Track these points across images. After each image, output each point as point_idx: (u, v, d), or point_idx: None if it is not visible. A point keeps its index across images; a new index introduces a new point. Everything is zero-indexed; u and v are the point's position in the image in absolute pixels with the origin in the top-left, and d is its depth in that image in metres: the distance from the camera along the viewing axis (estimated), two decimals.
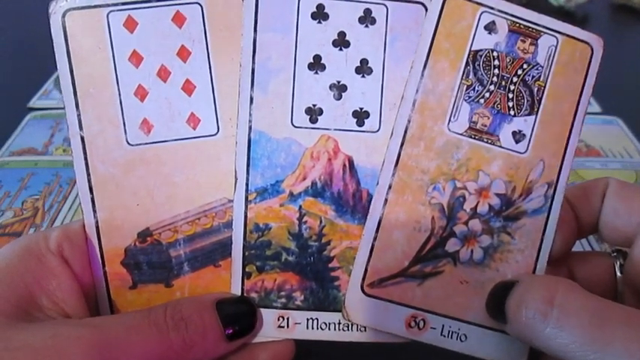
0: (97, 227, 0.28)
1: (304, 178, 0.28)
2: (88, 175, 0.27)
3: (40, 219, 0.47)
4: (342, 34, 0.27)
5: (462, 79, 0.28)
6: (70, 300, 0.26)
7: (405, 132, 0.28)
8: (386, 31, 0.27)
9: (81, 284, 0.27)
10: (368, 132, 0.28)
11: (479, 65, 0.28)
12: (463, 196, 0.28)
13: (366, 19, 0.27)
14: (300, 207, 0.28)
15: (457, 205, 0.28)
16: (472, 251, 0.28)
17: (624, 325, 0.22)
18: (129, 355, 0.23)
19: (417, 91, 0.28)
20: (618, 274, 0.29)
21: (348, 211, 0.28)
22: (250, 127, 0.28)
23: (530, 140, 0.28)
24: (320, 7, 0.27)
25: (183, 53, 0.27)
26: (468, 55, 0.28)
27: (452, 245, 0.28)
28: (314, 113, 0.28)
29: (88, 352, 0.22)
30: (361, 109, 0.28)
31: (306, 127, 0.28)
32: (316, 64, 0.28)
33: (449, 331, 0.28)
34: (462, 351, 0.28)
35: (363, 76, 0.28)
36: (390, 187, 0.28)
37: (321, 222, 0.28)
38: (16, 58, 0.72)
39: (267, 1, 0.27)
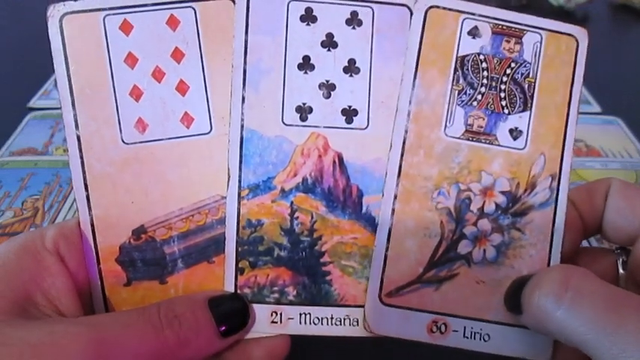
0: (92, 225, 0.28)
1: (295, 175, 0.29)
2: (84, 173, 0.28)
3: (40, 219, 0.47)
4: (330, 36, 0.28)
5: (452, 84, 0.28)
6: (64, 298, 0.26)
7: (404, 142, 0.28)
8: (372, 32, 0.28)
9: (76, 282, 0.27)
10: (357, 129, 0.29)
11: (467, 70, 0.28)
12: (468, 197, 0.28)
13: (353, 21, 0.28)
14: (292, 203, 0.29)
15: (464, 207, 0.28)
16: (485, 251, 0.28)
17: (638, 311, 0.22)
18: (125, 353, 0.23)
19: (410, 102, 0.28)
20: (621, 271, 0.29)
21: (338, 207, 0.29)
22: (242, 126, 0.28)
23: (527, 135, 0.28)
24: (308, 10, 0.28)
25: (177, 55, 0.28)
26: (456, 61, 0.28)
27: (464, 247, 0.28)
28: (304, 111, 0.29)
29: (84, 350, 0.22)
30: (350, 106, 0.29)
31: (297, 125, 0.29)
32: (306, 65, 0.28)
33: (471, 332, 0.28)
34: (486, 350, 0.28)
35: (351, 76, 0.28)
36: (395, 198, 0.28)
37: (312, 217, 0.29)
38: (16, 58, 0.72)
39: (258, 5, 0.28)
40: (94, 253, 0.28)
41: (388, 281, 0.28)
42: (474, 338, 0.28)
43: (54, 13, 0.27)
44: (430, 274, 0.28)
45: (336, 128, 0.29)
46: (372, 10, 0.28)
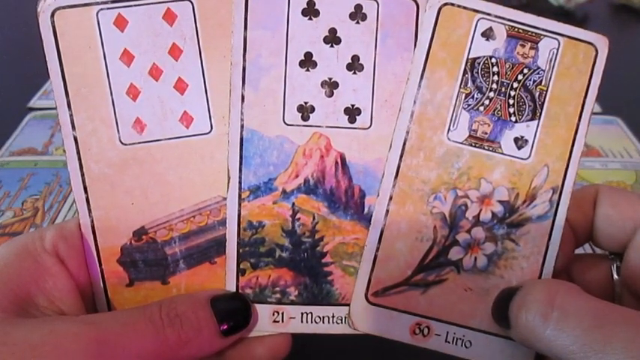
0: (93, 226, 0.28)
1: (297, 176, 0.28)
2: (82, 175, 0.28)
3: (40, 219, 0.47)
4: (332, 31, 0.27)
5: (460, 87, 0.28)
6: (66, 299, 0.26)
7: (404, 143, 0.28)
8: (377, 28, 0.27)
9: (77, 283, 0.27)
10: (359, 129, 0.28)
11: (477, 73, 0.27)
12: (465, 204, 0.28)
13: (357, 15, 0.27)
14: (293, 204, 0.28)
15: (459, 213, 0.28)
16: (476, 259, 0.28)
17: (624, 326, 0.22)
18: (126, 351, 0.23)
19: (415, 102, 0.27)
20: (615, 276, 0.29)
21: (340, 208, 0.28)
22: (242, 126, 0.28)
23: (533, 146, 0.28)
24: (310, 3, 0.27)
25: (175, 51, 0.27)
26: (466, 63, 0.27)
27: (455, 253, 0.28)
28: (306, 111, 0.28)
29: (85, 348, 0.22)
30: (353, 105, 0.28)
31: (298, 125, 0.28)
32: (307, 62, 0.28)
33: (453, 338, 0.28)
34: (467, 357, 0.28)
35: (354, 73, 0.28)
36: (390, 199, 0.28)
37: (314, 218, 0.28)
38: (16, 58, 0.72)
39: None
40: (95, 255, 0.28)
41: (376, 281, 0.28)
42: (456, 344, 0.28)
43: (45, 8, 0.26)
44: (418, 277, 0.28)
45: (338, 128, 0.28)
46: (377, 3, 0.27)
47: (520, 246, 0.28)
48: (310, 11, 0.27)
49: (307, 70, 0.28)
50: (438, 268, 0.28)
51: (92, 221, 0.28)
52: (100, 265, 0.28)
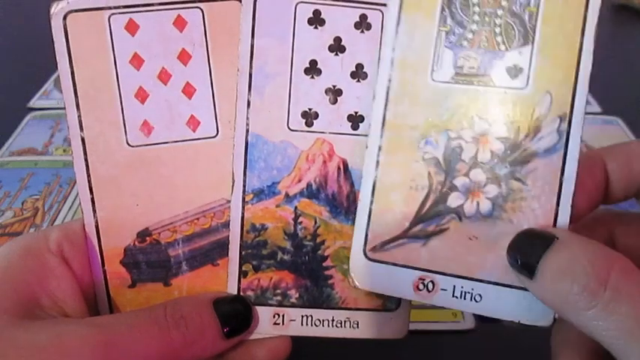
0: (97, 227, 0.28)
1: (300, 180, 0.29)
2: (88, 175, 0.28)
3: (40, 219, 0.47)
4: (337, 40, 0.28)
5: (439, 26, 0.25)
6: (69, 300, 0.26)
7: (387, 92, 0.26)
8: (381, 37, 0.28)
9: (80, 284, 0.27)
10: (362, 135, 0.28)
11: (456, 8, 0.25)
12: (459, 146, 0.26)
13: (362, 24, 0.28)
14: (296, 208, 0.29)
15: (454, 156, 0.26)
16: (478, 204, 0.26)
17: None
18: (132, 353, 0.24)
19: (394, 49, 0.26)
20: None
21: (342, 212, 0.29)
22: (247, 131, 0.28)
23: (529, 73, 0.25)
24: (316, 12, 0.28)
25: (184, 57, 0.28)
26: (442, 0, 0.25)
27: (454, 200, 0.26)
28: (310, 117, 0.28)
29: (92, 351, 0.22)
30: (356, 113, 0.28)
31: (302, 131, 0.28)
32: (312, 69, 0.28)
33: (461, 292, 0.26)
34: (477, 312, 0.26)
35: (358, 81, 0.28)
36: (380, 149, 0.26)
37: (315, 222, 0.29)
38: (16, 58, 0.72)
39: (265, 7, 0.27)
40: (99, 255, 0.28)
41: (373, 235, 0.26)
42: (464, 298, 0.26)
43: (57, 10, 0.26)
44: (417, 228, 0.26)
45: (341, 134, 0.28)
46: (382, 13, 0.27)
47: (528, 185, 0.25)
48: (316, 20, 0.28)
49: (312, 77, 0.28)
50: (437, 217, 0.26)
51: (96, 222, 0.28)
52: (103, 265, 0.28)
